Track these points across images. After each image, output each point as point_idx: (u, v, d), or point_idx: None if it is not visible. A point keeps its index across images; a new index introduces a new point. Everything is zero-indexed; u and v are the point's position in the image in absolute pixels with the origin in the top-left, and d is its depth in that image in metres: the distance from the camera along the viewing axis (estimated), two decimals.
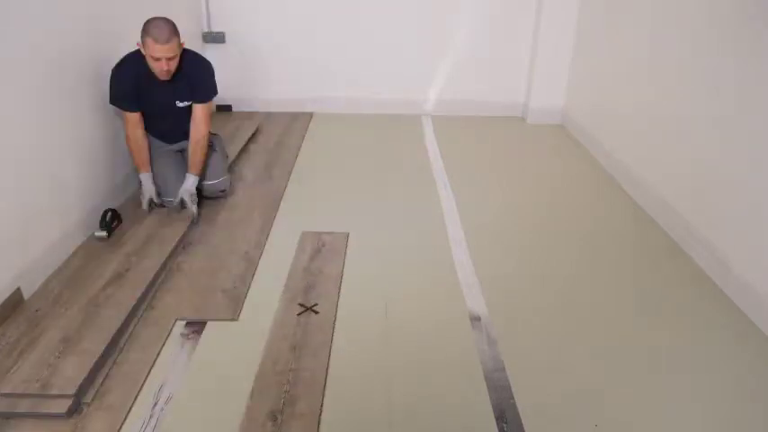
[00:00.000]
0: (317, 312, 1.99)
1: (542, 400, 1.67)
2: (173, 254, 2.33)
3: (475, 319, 2.01)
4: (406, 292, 2.15)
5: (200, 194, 2.70)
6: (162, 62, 2.34)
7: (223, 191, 2.81)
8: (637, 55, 3.00)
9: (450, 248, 2.45)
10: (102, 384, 1.67)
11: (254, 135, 3.79)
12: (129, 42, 2.45)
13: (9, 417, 1.55)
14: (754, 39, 2.07)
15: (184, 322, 1.95)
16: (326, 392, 1.65)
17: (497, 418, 1.59)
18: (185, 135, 2.66)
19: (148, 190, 2.59)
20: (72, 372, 1.65)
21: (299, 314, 1.98)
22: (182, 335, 1.90)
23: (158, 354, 1.81)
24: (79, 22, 2.41)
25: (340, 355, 1.81)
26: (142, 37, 2.32)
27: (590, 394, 1.70)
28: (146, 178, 2.61)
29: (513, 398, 1.66)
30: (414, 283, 2.21)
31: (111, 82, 2.45)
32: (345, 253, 2.39)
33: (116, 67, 2.45)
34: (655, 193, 2.72)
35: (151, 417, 1.57)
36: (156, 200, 2.60)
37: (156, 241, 2.39)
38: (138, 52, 2.40)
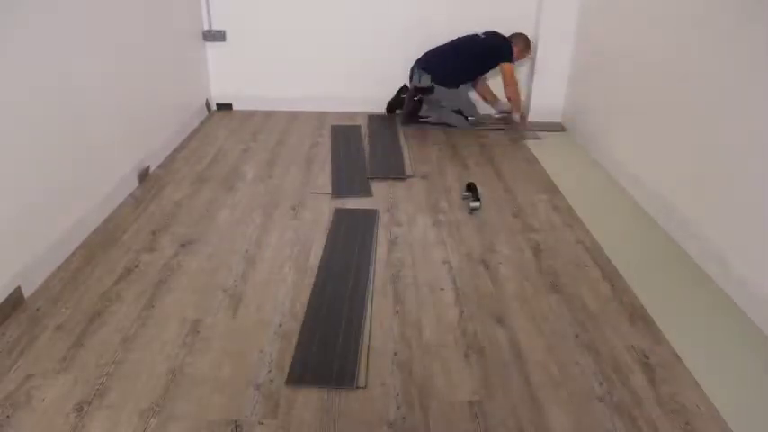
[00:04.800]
0: None
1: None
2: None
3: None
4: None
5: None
6: None
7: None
8: (637, 53, 2.99)
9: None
10: (102, 384, 1.68)
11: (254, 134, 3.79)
12: None
13: (9, 416, 1.56)
14: (755, 38, 2.07)
15: None
16: None
17: None
18: None
19: None
20: None
21: None
22: None
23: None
24: None
25: None
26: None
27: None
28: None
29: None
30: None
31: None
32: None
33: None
34: (655, 192, 2.72)
35: None
36: None
37: (161, 237, 2.39)
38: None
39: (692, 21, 2.49)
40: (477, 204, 2.74)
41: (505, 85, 3.89)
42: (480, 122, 4.03)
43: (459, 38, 3.95)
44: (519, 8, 4.00)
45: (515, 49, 3.86)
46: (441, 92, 3.90)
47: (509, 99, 3.98)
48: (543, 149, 3.62)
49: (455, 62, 3.89)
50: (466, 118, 3.98)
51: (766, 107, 1.99)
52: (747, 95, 2.10)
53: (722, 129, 2.24)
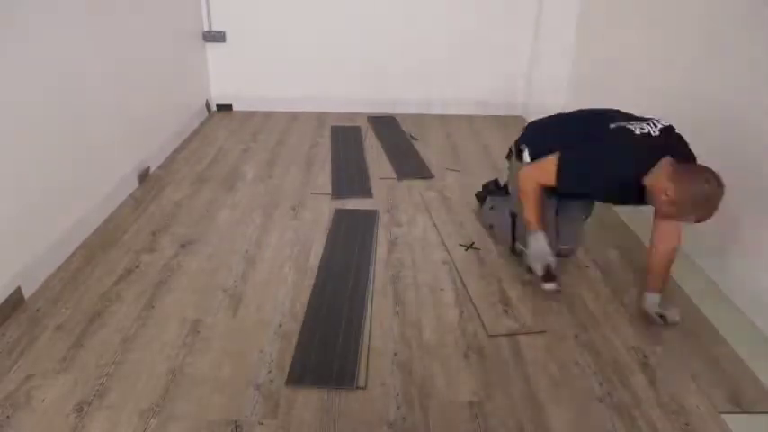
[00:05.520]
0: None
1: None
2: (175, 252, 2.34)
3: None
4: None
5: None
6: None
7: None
8: (638, 53, 2.99)
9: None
10: (102, 384, 1.68)
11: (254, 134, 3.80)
12: None
13: (10, 416, 1.56)
14: (758, 38, 2.07)
15: None
16: None
17: None
18: None
19: (544, 252, 2.10)
20: None
21: None
22: None
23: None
24: None
25: None
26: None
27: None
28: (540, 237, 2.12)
29: None
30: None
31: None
32: None
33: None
34: None
35: None
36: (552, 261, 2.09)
37: (161, 237, 2.39)
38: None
39: (695, 16, 2.49)
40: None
41: None
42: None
43: (619, 113, 2.14)
44: (519, 10, 4.01)
45: (662, 191, 1.83)
46: (513, 168, 2.41)
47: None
48: None
49: (564, 143, 2.13)
50: (513, 242, 2.36)
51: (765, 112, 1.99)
52: (747, 97, 2.10)
53: (723, 131, 2.25)
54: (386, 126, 4.01)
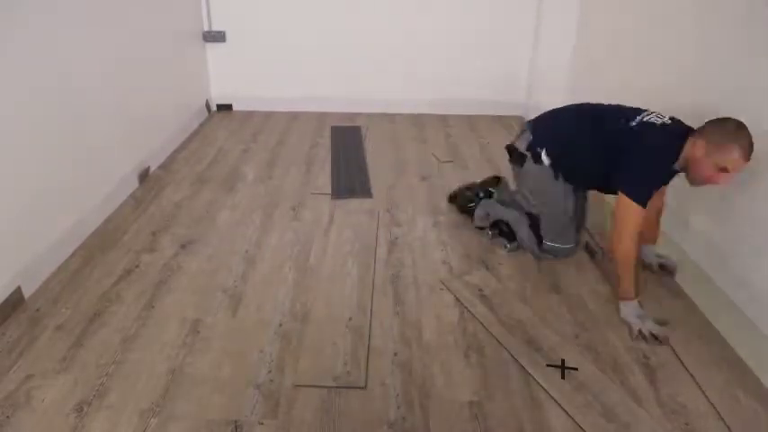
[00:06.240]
0: None
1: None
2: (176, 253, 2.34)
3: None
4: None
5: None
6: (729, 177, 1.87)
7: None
8: (639, 53, 2.99)
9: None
10: (102, 384, 1.67)
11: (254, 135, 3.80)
12: None
13: (9, 416, 1.56)
14: (760, 39, 2.07)
15: None
16: None
17: None
18: None
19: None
20: None
21: None
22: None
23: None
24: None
25: None
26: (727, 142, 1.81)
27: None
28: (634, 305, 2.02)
29: None
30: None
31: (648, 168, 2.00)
32: None
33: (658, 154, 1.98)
34: None
35: None
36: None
37: (161, 237, 2.39)
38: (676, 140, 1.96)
39: (696, 17, 2.49)
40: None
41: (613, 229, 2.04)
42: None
43: (618, 106, 2.33)
44: (519, 10, 4.01)
45: (695, 149, 1.90)
46: (531, 173, 2.33)
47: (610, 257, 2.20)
48: None
49: (583, 141, 2.22)
50: (540, 242, 2.35)
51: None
52: (746, 97, 2.10)
53: None
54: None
